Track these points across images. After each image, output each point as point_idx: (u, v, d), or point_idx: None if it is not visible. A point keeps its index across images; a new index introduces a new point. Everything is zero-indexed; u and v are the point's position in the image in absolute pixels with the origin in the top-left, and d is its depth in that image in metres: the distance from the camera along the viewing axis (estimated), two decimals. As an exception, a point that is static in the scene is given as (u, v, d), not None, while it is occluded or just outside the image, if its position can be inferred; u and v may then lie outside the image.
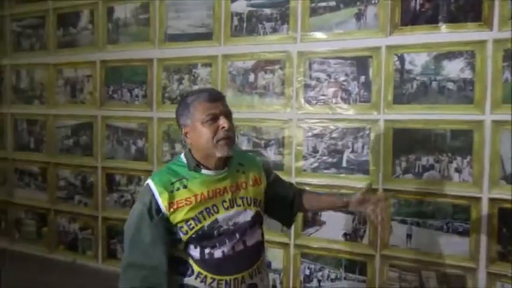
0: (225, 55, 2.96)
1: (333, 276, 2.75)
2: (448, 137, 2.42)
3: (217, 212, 1.31)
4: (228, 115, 1.32)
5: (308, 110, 2.75)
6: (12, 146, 3.91)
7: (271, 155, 2.85)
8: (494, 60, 2.28)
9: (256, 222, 1.39)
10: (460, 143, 2.39)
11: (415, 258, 2.52)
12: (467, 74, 2.35)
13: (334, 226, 2.72)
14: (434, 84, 2.43)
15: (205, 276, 1.30)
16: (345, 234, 2.69)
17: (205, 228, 1.29)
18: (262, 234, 1.45)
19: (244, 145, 2.92)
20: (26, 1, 3.73)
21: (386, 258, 2.59)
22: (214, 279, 1.29)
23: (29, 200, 3.85)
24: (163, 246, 1.28)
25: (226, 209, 1.32)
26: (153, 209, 1.27)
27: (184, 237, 1.29)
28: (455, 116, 2.39)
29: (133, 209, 1.33)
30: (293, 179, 2.77)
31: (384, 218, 1.40)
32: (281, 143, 2.83)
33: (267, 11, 2.82)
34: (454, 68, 2.38)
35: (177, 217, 1.28)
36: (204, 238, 1.29)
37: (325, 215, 2.74)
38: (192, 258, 1.31)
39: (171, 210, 1.27)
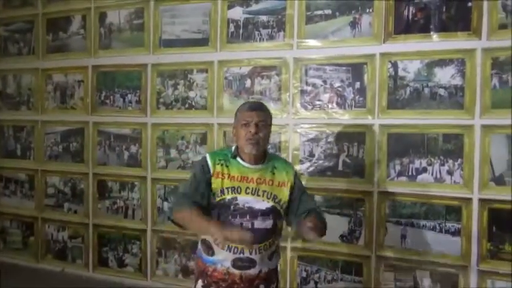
0: (221, 61, 2.99)
1: (329, 277, 2.80)
2: (440, 140, 2.52)
3: (239, 193, 1.66)
4: (258, 124, 1.66)
5: (304, 115, 2.81)
6: (-3, 153, 3.80)
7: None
8: (483, 67, 2.41)
9: (270, 213, 1.68)
10: (452, 146, 2.50)
11: (410, 258, 2.60)
12: (457, 81, 2.47)
13: (330, 228, 2.74)
14: (426, 90, 2.54)
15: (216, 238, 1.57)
16: (341, 236, 2.75)
17: (226, 200, 1.65)
18: (275, 226, 1.71)
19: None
20: (14, 6, 3.66)
21: (381, 259, 2.66)
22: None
23: (15, 208, 3.74)
24: (206, 189, 1.67)
25: (247, 194, 1.66)
26: (205, 168, 1.70)
27: (213, 201, 1.66)
28: (447, 121, 2.50)
29: (193, 169, 1.78)
30: (290, 183, 2.82)
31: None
32: (278, 148, 2.88)
33: (263, 18, 2.88)
34: (445, 75, 2.49)
35: (214, 183, 1.67)
36: (223, 207, 1.65)
37: (321, 218, 2.79)
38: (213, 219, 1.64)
39: (213, 176, 1.68)
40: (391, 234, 2.64)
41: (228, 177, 1.67)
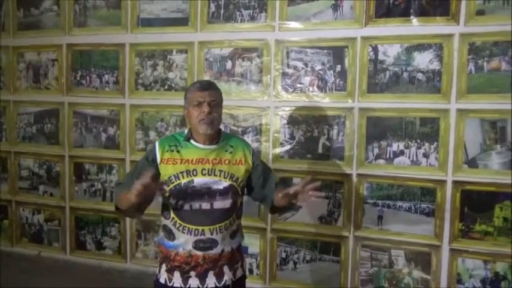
0: (202, 42, 2.94)
1: (308, 257, 2.86)
2: (417, 124, 2.58)
3: (195, 176, 1.65)
4: (211, 103, 1.65)
5: (285, 98, 2.81)
6: (-34, 134, 3.65)
7: (248, 142, 2.88)
8: (460, 53, 2.46)
9: (229, 192, 1.69)
10: (428, 130, 2.56)
11: (386, 238, 2.69)
12: (435, 66, 2.52)
13: (310, 210, 2.82)
14: (405, 74, 2.57)
15: (176, 221, 1.68)
16: (320, 218, 2.81)
17: (182, 184, 1.65)
18: (234, 205, 1.72)
19: (221, 132, 2.93)
20: (-20, -22, 3.47)
21: (358, 239, 2.74)
22: (180, 225, 1.67)
23: (-13, 191, 3.63)
24: None
25: (204, 175, 1.66)
26: (150, 157, 1.70)
27: (167, 188, 1.65)
28: (424, 105, 2.55)
29: (141, 157, 1.79)
30: (270, 166, 2.82)
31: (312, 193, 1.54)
32: (258, 130, 2.88)
33: (245, -2, 2.83)
34: (423, 60, 2.53)
35: (164, 170, 1.67)
36: (179, 192, 1.66)
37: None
38: (171, 205, 1.68)
39: (162, 164, 1.67)
40: (369, 215, 2.71)
41: (181, 161, 1.66)
